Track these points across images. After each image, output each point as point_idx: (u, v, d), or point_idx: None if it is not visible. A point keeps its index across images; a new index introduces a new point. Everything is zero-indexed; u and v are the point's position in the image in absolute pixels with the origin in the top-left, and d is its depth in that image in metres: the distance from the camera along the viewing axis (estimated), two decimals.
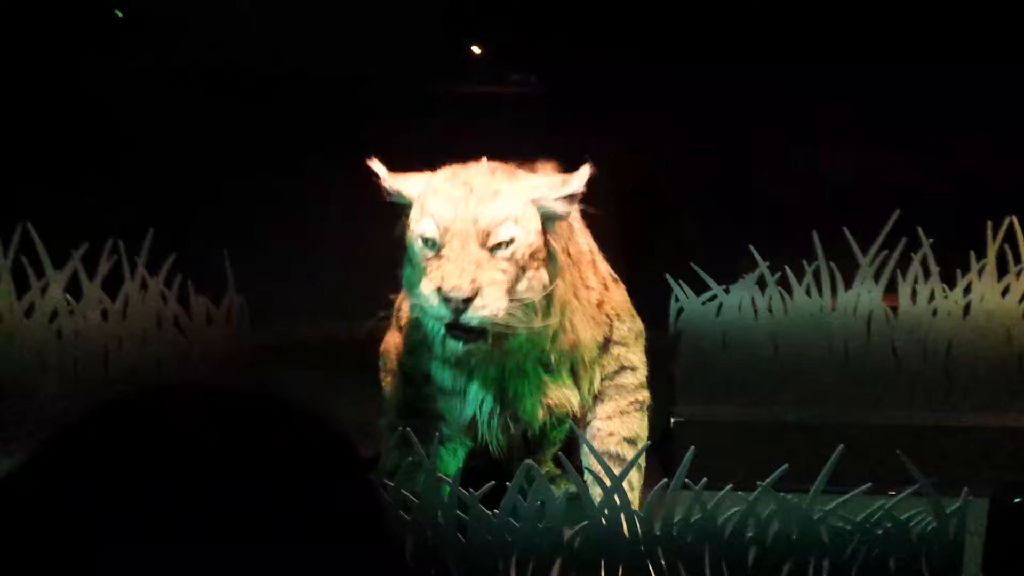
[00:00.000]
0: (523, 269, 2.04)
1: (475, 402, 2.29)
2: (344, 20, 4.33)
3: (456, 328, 2.00)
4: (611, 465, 2.28)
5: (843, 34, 4.08)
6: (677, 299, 2.95)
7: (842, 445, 1.92)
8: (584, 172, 2.13)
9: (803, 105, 4.15)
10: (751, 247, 2.95)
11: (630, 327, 2.49)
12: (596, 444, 2.36)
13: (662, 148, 4.36)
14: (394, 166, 2.45)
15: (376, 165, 2.18)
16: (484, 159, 2.20)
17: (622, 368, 2.45)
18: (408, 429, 2.23)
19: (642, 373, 2.49)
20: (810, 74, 4.10)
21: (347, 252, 4.24)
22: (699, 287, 2.97)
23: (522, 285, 2.05)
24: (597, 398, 2.42)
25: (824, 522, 1.90)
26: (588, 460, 2.33)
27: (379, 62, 4.43)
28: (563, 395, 2.33)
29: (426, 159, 2.47)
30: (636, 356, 2.49)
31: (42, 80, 3.98)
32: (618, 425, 2.42)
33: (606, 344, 2.41)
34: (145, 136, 4.15)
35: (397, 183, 2.15)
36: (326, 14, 4.30)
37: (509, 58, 4.76)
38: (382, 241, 2.85)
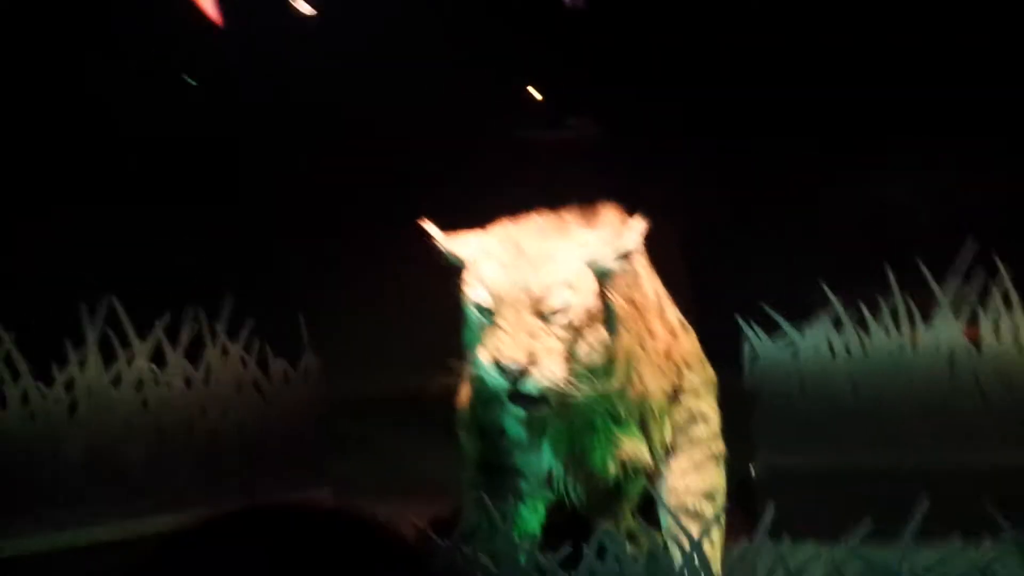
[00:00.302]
0: (580, 333, 2.02)
1: (549, 456, 2.27)
2: (405, 71, 4.41)
3: (517, 397, 2.00)
4: (689, 522, 2.25)
5: (913, 60, 4.02)
6: (750, 342, 2.92)
7: (926, 500, 1.86)
8: (637, 227, 2.11)
9: (873, 133, 4.08)
10: (823, 285, 2.90)
11: (701, 376, 2.46)
12: (673, 501, 2.33)
13: (727, 186, 4.33)
14: (455, 216, 2.49)
15: (429, 227, 2.16)
16: (536, 215, 2.19)
17: (693, 419, 2.41)
18: (483, 492, 2.26)
19: (715, 423, 2.45)
20: (879, 103, 4.04)
21: (419, 306, 4.31)
22: (772, 328, 2.93)
23: (581, 349, 2.03)
24: (670, 452, 2.38)
25: None
26: (665, 518, 2.31)
27: (437, 114, 4.50)
28: (635, 448, 2.29)
29: (486, 206, 2.50)
30: (708, 406, 2.45)
31: (115, 151, 4.13)
32: (694, 480, 2.37)
33: (675, 394, 2.37)
34: (218, 205, 4.27)
35: (450, 245, 2.14)
36: (387, 65, 4.38)
37: (568, 103, 4.80)
38: (450, 294, 2.89)
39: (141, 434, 2.76)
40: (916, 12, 3.96)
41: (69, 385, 2.72)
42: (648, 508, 2.56)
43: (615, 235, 2.13)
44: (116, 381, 2.76)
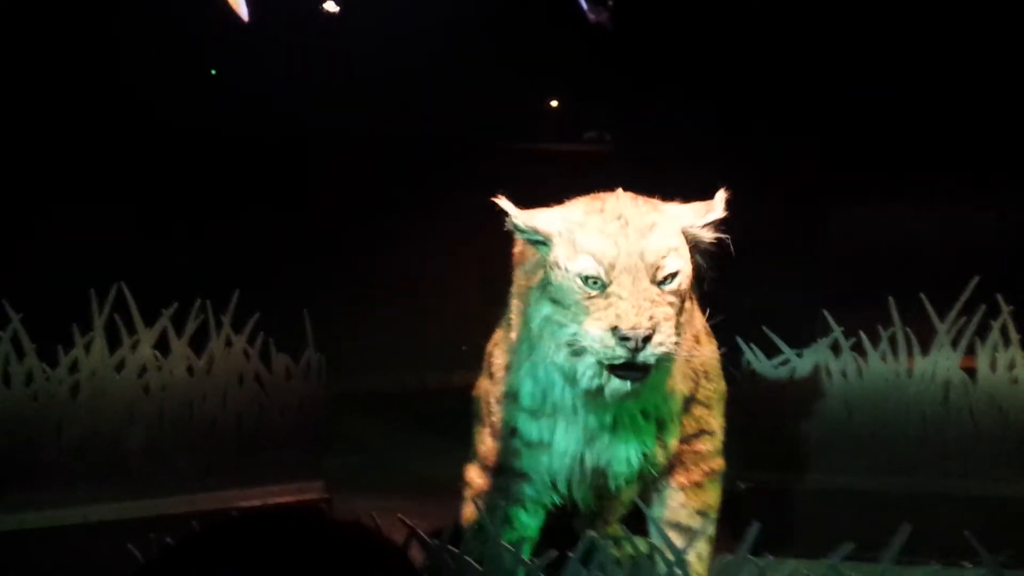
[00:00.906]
0: (683, 300, 1.99)
1: (563, 454, 2.22)
2: (422, 80, 4.46)
3: (626, 368, 1.93)
4: (679, 537, 2.26)
5: (917, 95, 4.05)
6: (749, 363, 2.94)
7: (908, 525, 1.89)
8: (721, 196, 2.10)
9: (880, 166, 4.11)
10: (824, 312, 2.93)
11: (715, 387, 2.40)
12: (667, 513, 2.33)
13: (734, 210, 4.36)
14: (471, 219, 2.48)
15: (504, 203, 2.05)
16: (619, 189, 2.11)
17: (701, 432, 2.36)
18: (485, 493, 2.29)
19: (719, 439, 2.40)
20: (885, 135, 4.07)
21: (422, 305, 4.36)
22: (771, 351, 2.96)
23: (684, 317, 2.01)
24: (673, 464, 2.33)
25: None
26: (653, 529, 2.31)
27: (455, 120, 4.54)
28: (655, 449, 2.24)
29: (491, 208, 2.52)
30: (716, 421, 2.40)
31: (135, 145, 4.19)
32: (691, 496, 2.35)
33: (688, 402, 2.31)
34: (230, 200, 4.32)
35: (530, 219, 2.03)
36: (406, 75, 4.43)
37: (582, 115, 4.84)
38: (454, 296, 2.93)
39: (141, 419, 2.80)
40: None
41: (73, 367, 2.75)
42: (634, 514, 2.58)
43: (702, 205, 2.09)
44: (119, 366, 2.80)
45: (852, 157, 4.13)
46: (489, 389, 2.36)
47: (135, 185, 4.21)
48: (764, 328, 2.94)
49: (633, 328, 1.88)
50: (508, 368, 2.30)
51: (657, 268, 1.95)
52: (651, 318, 1.90)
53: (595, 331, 1.92)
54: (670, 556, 1.94)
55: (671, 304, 1.96)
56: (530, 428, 2.25)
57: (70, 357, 2.75)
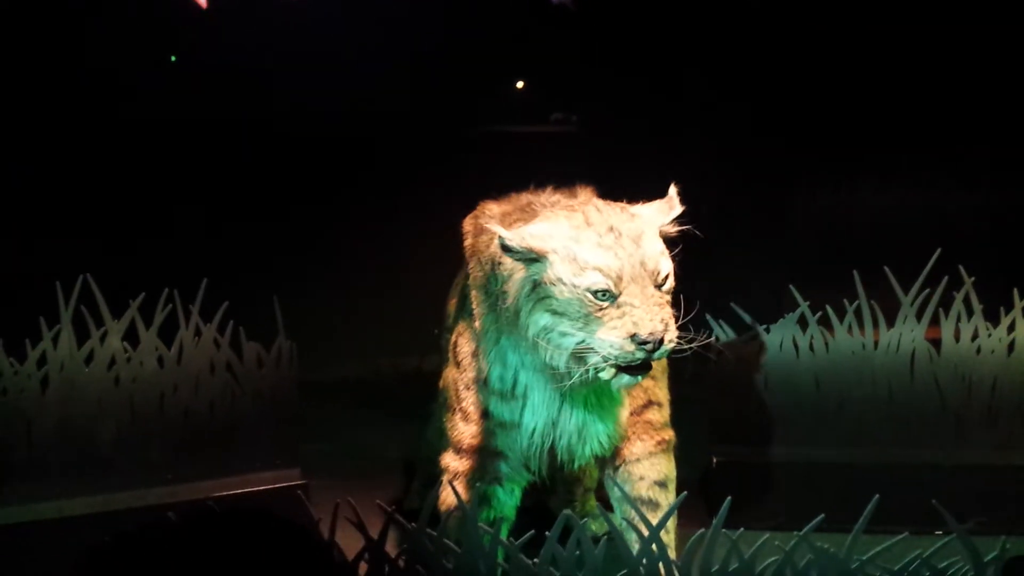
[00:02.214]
0: (670, 298, 2.13)
1: (532, 433, 2.34)
2: (386, 65, 4.43)
3: (635, 368, 2.07)
4: (644, 510, 2.33)
5: (883, 69, 4.09)
6: (718, 339, 2.98)
7: (877, 495, 1.92)
8: (674, 191, 2.24)
9: (843, 142, 4.15)
10: (791, 287, 2.97)
11: (660, 361, 2.43)
12: (628, 489, 2.40)
13: (700, 186, 4.38)
14: (437, 204, 2.51)
15: (497, 228, 2.13)
16: (591, 197, 2.26)
17: (649, 403, 2.46)
18: (461, 475, 2.35)
19: (667, 411, 2.51)
20: (849, 110, 4.11)
21: (392, 292, 4.35)
22: (740, 327, 3.00)
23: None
24: (626, 437, 2.42)
25: (862, 571, 1.90)
26: (621, 506, 2.39)
27: (420, 106, 4.53)
28: (621, 424, 2.37)
29: (466, 196, 2.54)
30: (662, 392, 2.51)
31: (99, 132, 4.13)
32: (647, 468, 2.43)
33: None
34: (196, 185, 4.28)
35: (523, 240, 2.10)
36: (367, 55, 4.40)
37: (548, 97, 4.83)
38: (423, 281, 2.93)
39: (112, 411, 2.78)
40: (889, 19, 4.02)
41: (41, 361, 2.73)
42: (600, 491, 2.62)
43: (664, 203, 2.23)
44: (88, 359, 2.78)
45: (815, 133, 4.17)
46: (456, 377, 2.45)
47: (98, 175, 4.16)
48: (732, 304, 2.97)
49: (651, 333, 2.02)
50: (475, 355, 2.39)
51: (656, 273, 2.09)
52: (663, 321, 2.05)
53: (613, 338, 2.04)
54: (644, 531, 1.97)
55: (668, 303, 2.11)
56: (501, 409, 2.35)
57: (37, 350, 2.72)
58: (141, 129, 4.23)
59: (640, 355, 2.03)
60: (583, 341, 2.06)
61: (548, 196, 2.32)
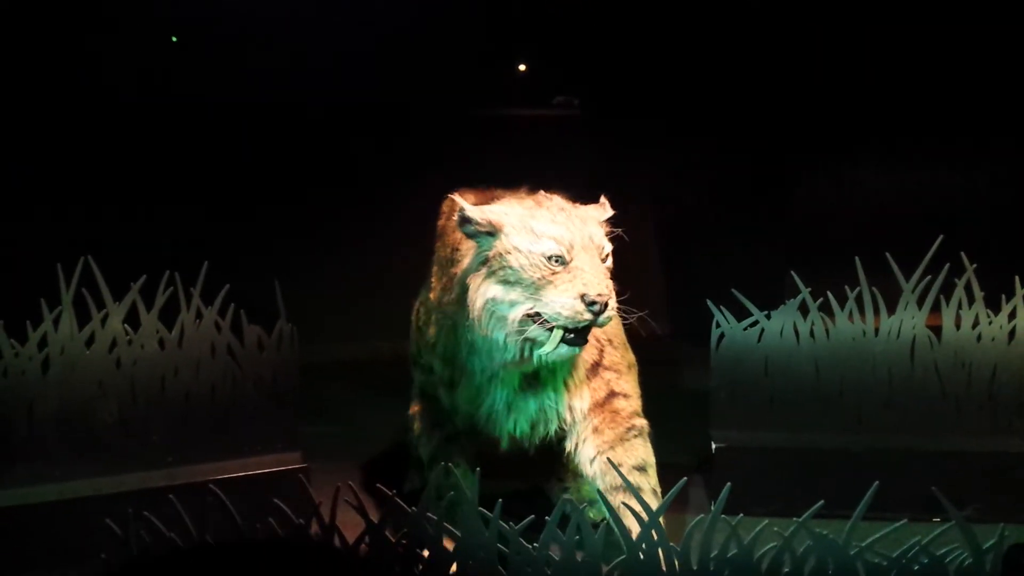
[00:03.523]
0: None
1: (468, 402, 2.55)
2: (386, 44, 4.42)
3: (577, 334, 2.25)
4: (625, 496, 2.40)
5: (885, 55, 4.07)
6: (718, 325, 2.97)
7: (876, 482, 1.93)
8: (604, 201, 2.45)
9: (845, 129, 4.14)
10: (792, 273, 2.96)
11: (622, 356, 2.64)
12: (608, 477, 2.47)
13: (702, 174, 4.38)
14: (438, 187, 2.55)
15: (458, 199, 2.35)
16: (541, 192, 2.44)
17: (613, 394, 2.57)
18: (449, 464, 2.45)
19: (636, 402, 2.61)
20: (852, 97, 4.10)
21: (392, 275, 4.35)
22: (741, 313, 2.99)
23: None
24: (596, 430, 2.53)
25: (860, 557, 1.91)
26: (611, 495, 2.47)
27: (418, 87, 4.51)
28: (557, 407, 2.52)
29: (463, 179, 2.56)
30: (628, 385, 2.62)
31: (99, 117, 4.12)
32: (622, 454, 2.52)
33: (595, 368, 2.56)
34: (196, 168, 4.27)
35: (484, 213, 2.31)
36: (369, 37, 4.39)
37: (551, 81, 4.82)
38: (424, 264, 2.93)
39: (113, 394, 2.78)
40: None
41: (42, 343, 2.73)
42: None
43: (598, 207, 2.43)
44: (89, 341, 2.77)
45: (817, 119, 4.16)
46: (417, 339, 2.77)
47: (99, 157, 4.15)
48: (733, 290, 2.96)
49: (600, 295, 2.21)
50: (427, 323, 2.64)
51: (601, 249, 2.32)
52: (608, 287, 2.25)
53: (563, 299, 2.22)
54: (643, 516, 1.97)
55: (610, 279, 2.31)
56: (443, 371, 2.57)
57: (39, 332, 2.72)
58: (143, 112, 4.22)
59: (588, 316, 2.21)
60: (531, 308, 2.24)
61: (522, 193, 2.50)
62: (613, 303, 2.25)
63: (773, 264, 3.15)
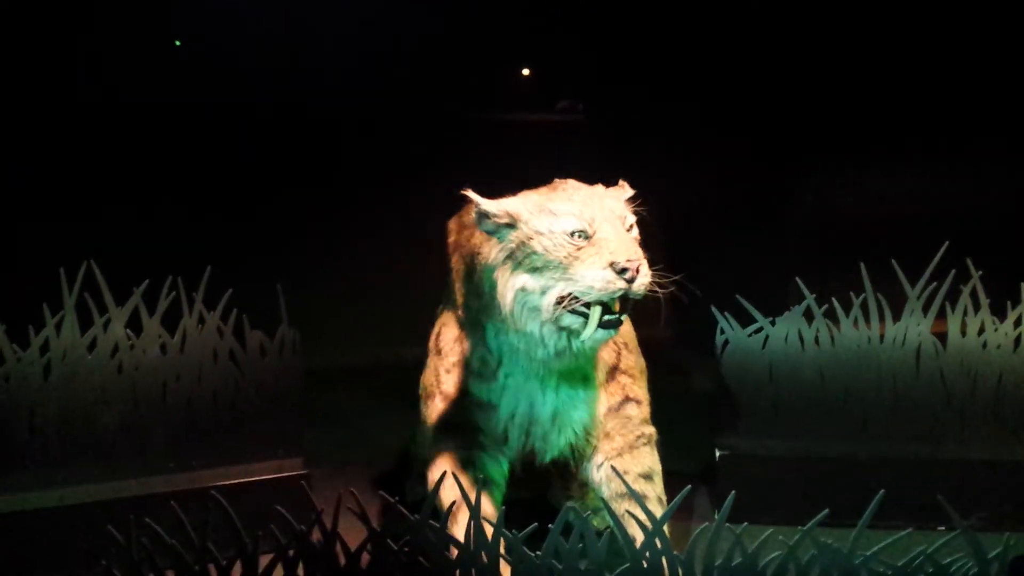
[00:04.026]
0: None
1: (510, 416, 2.46)
2: (390, 50, 4.42)
3: (609, 321, 2.18)
4: (629, 504, 2.38)
5: (891, 60, 4.06)
6: (723, 331, 2.96)
7: (882, 491, 1.91)
8: (624, 184, 2.39)
9: (850, 134, 4.13)
10: (797, 279, 2.95)
11: (636, 360, 2.60)
12: (613, 484, 2.45)
13: (707, 179, 4.36)
14: (441, 193, 2.54)
15: (472, 194, 2.29)
16: (556, 180, 2.38)
17: (627, 399, 2.53)
18: (455, 473, 2.36)
19: (646, 408, 2.57)
20: (857, 102, 4.08)
21: (395, 281, 4.34)
22: (745, 319, 2.98)
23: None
24: (607, 436, 2.50)
25: (865, 566, 1.90)
26: (615, 503, 2.44)
27: (425, 92, 4.51)
28: (591, 414, 2.46)
29: (471, 185, 2.55)
30: (641, 390, 2.58)
31: (100, 118, 4.12)
32: (630, 462, 2.49)
33: (613, 372, 2.51)
34: (199, 172, 4.27)
35: (501, 205, 2.26)
36: (371, 42, 4.39)
37: (555, 85, 4.82)
38: (427, 269, 2.93)
39: (115, 399, 2.77)
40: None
41: (44, 348, 2.72)
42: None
43: (617, 189, 2.37)
44: (91, 346, 2.77)
45: (822, 123, 4.15)
46: (438, 363, 2.57)
47: (102, 161, 4.15)
48: (738, 297, 2.95)
49: (629, 260, 2.14)
50: (458, 340, 2.53)
51: (624, 218, 2.26)
52: (636, 252, 2.18)
53: (593, 272, 2.15)
54: (649, 524, 1.96)
55: (638, 247, 2.24)
56: (479, 389, 2.47)
57: (40, 337, 2.71)
58: (145, 115, 4.22)
59: (620, 284, 2.14)
60: (564, 289, 2.17)
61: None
62: (646, 269, 2.18)
63: (778, 271, 3.13)
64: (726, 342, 2.96)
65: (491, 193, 2.44)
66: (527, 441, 2.48)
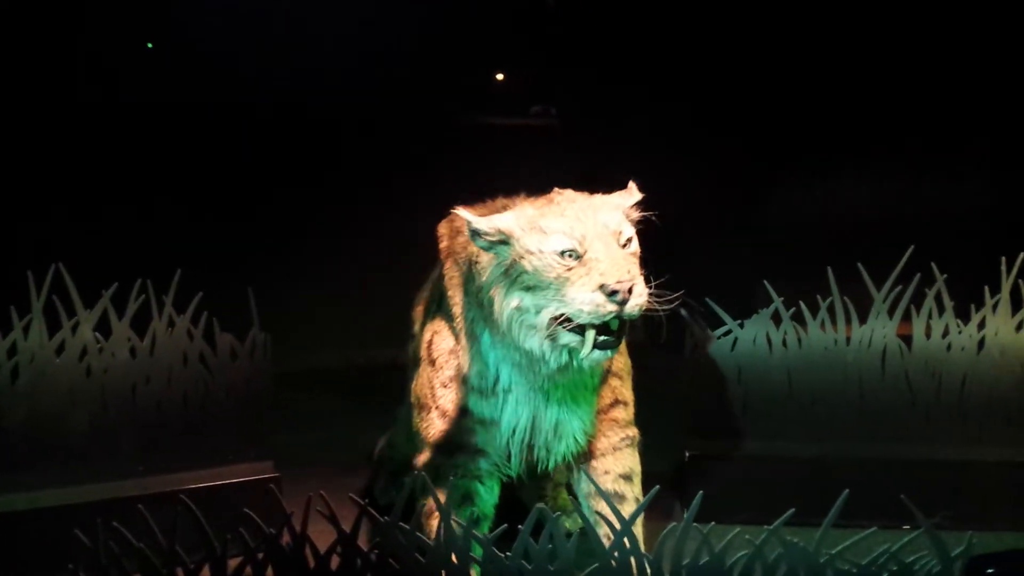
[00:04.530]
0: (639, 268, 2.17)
1: (512, 431, 2.37)
2: (365, 55, 4.42)
3: (608, 333, 2.11)
4: (603, 503, 2.36)
5: (857, 67, 4.11)
6: (692, 334, 2.99)
7: (847, 491, 1.94)
8: (632, 185, 2.31)
9: (817, 140, 4.18)
10: (765, 283, 2.98)
11: (625, 361, 2.56)
12: (595, 484, 2.43)
13: (675, 183, 4.39)
14: (412, 197, 2.53)
15: (463, 212, 2.22)
16: (555, 190, 2.30)
17: (616, 402, 2.50)
18: (441, 474, 2.36)
19: (631, 409, 2.55)
20: (824, 109, 4.13)
21: (366, 283, 4.34)
22: (713, 322, 3.01)
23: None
24: (593, 435, 2.46)
25: (831, 565, 1.92)
26: (591, 500, 2.42)
27: (401, 97, 4.51)
28: (592, 420, 2.40)
29: (443, 190, 2.55)
30: (628, 392, 2.55)
31: (70, 119, 4.09)
32: (612, 462, 2.47)
33: (605, 374, 2.47)
34: (169, 175, 4.25)
35: (492, 222, 2.18)
36: (350, 46, 4.38)
37: (528, 90, 4.84)
38: (398, 273, 2.93)
39: (83, 402, 2.76)
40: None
41: (11, 351, 2.70)
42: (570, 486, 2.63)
43: (625, 193, 2.29)
44: (60, 349, 2.75)
45: (789, 130, 4.19)
46: (432, 375, 2.45)
47: (70, 162, 4.11)
48: (706, 299, 2.98)
49: (619, 281, 2.05)
50: (453, 352, 2.42)
51: (619, 234, 2.15)
52: (628, 271, 2.08)
53: (583, 295, 2.07)
54: (616, 524, 1.98)
55: (635, 264, 2.15)
56: (480, 407, 2.38)
57: (8, 341, 2.69)
58: (115, 117, 4.19)
59: (611, 307, 2.05)
60: (556, 309, 2.10)
61: (522, 199, 2.38)
62: (641, 289, 2.08)
63: (746, 274, 3.16)
64: (695, 344, 2.98)
65: (467, 199, 2.43)
66: (530, 454, 2.41)
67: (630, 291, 2.06)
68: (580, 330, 2.12)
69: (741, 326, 2.98)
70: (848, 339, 2.98)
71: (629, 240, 2.18)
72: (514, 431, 2.38)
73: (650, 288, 2.12)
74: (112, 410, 2.79)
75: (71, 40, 4.06)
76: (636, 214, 2.28)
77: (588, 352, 2.13)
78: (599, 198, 2.25)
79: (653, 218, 2.28)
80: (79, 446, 2.75)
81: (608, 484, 2.45)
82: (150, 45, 4.37)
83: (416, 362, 2.59)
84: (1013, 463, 2.90)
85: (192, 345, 2.87)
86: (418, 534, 1.99)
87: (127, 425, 2.80)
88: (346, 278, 4.47)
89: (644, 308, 2.10)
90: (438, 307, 2.53)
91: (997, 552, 2.59)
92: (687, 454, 2.95)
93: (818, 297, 2.97)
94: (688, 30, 4.25)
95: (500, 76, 4.86)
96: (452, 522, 1.98)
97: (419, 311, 2.73)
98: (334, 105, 4.47)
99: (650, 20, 4.32)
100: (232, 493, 2.73)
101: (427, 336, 2.52)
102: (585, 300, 2.07)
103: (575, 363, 2.21)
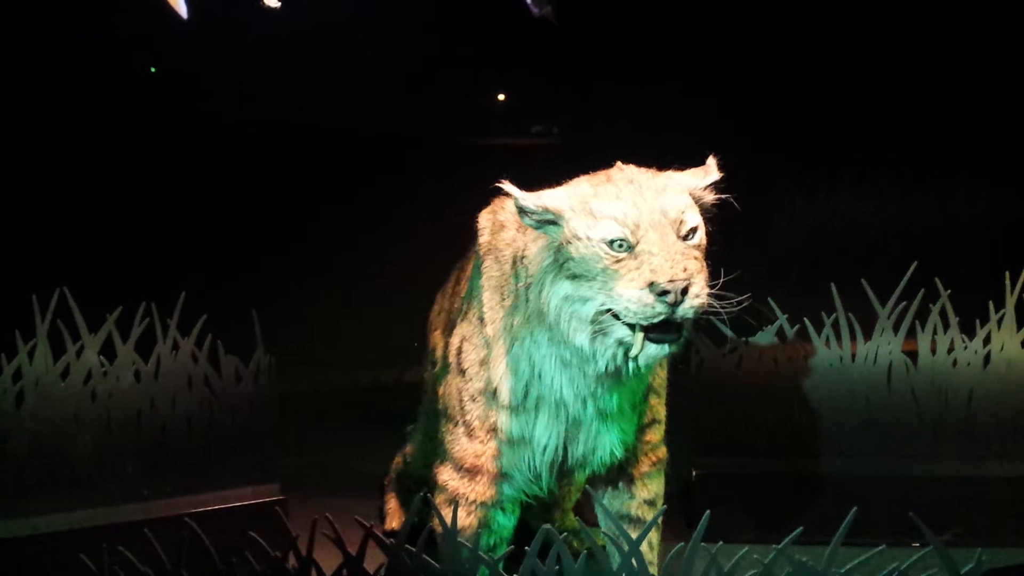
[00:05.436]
0: (703, 259, 1.98)
1: (544, 448, 2.22)
2: (369, 76, 4.44)
3: (661, 329, 1.90)
4: (630, 527, 2.32)
5: (863, 85, 4.13)
6: (698, 351, 2.98)
7: (855, 508, 1.93)
8: (712, 162, 2.10)
9: (820, 158, 4.19)
10: (770, 300, 2.98)
11: (663, 377, 2.40)
12: (616, 504, 2.37)
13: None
14: (416, 216, 2.52)
15: (510, 188, 2.03)
16: (617, 164, 2.09)
17: (653, 421, 2.37)
18: (455, 503, 2.25)
19: (663, 428, 2.44)
20: (829, 125, 4.14)
21: (371, 306, 4.35)
22: (718, 339, 3.00)
23: (706, 276, 1.97)
24: (626, 456, 2.35)
25: None
26: (606, 521, 2.36)
27: (404, 117, 4.53)
28: (633, 436, 2.28)
29: (446, 208, 2.54)
30: (662, 409, 2.43)
31: (75, 143, 4.11)
32: (640, 488, 2.39)
33: (647, 390, 2.30)
34: (173, 197, 4.26)
35: (540, 200, 1.99)
36: (351, 72, 4.41)
37: (528, 109, 4.86)
38: (403, 294, 2.93)
39: (88, 426, 2.75)
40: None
41: (16, 375, 2.70)
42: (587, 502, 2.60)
43: (700, 170, 2.09)
44: (64, 373, 2.75)
45: (794, 145, 4.20)
46: (461, 387, 2.28)
47: (75, 187, 4.13)
48: (711, 317, 2.97)
49: (671, 280, 1.85)
50: (484, 363, 2.24)
51: (680, 223, 1.94)
52: (685, 269, 1.88)
53: (630, 292, 1.87)
54: (625, 547, 1.96)
55: (697, 259, 1.95)
56: (511, 425, 2.22)
57: (13, 365, 2.69)
58: (118, 140, 4.21)
59: (661, 308, 1.85)
60: (603, 304, 1.92)
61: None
62: (698, 289, 1.87)
63: (750, 291, 3.16)
64: (701, 361, 2.97)
65: (465, 212, 2.41)
66: (561, 469, 2.28)
67: (685, 291, 1.86)
68: (631, 326, 1.93)
69: (746, 343, 2.97)
70: (853, 356, 2.97)
71: (692, 231, 1.96)
72: (545, 449, 2.23)
73: (713, 287, 1.91)
74: (117, 434, 2.78)
75: (73, 62, 4.08)
76: (710, 197, 2.07)
77: (639, 350, 1.93)
78: (665, 177, 2.03)
79: (733, 202, 2.08)
80: (84, 470, 2.74)
81: (632, 509, 2.37)
82: (153, 69, 4.39)
83: (445, 368, 2.39)
84: (1022, 478, 2.88)
85: (196, 368, 2.87)
86: (425, 556, 1.98)
87: (132, 449, 2.79)
88: (350, 299, 4.47)
89: (701, 310, 1.90)
90: (469, 309, 2.31)
91: (1007, 567, 2.58)
92: (694, 472, 2.94)
93: (823, 313, 2.97)
94: (690, 45, 4.27)
95: (501, 96, 4.88)
96: (459, 543, 1.98)
97: (436, 311, 2.64)
98: (336, 127, 4.49)
99: (651, 37, 4.34)
100: (237, 516, 2.73)
101: (455, 341, 2.32)
102: (632, 298, 1.87)
103: (628, 367, 2.01)
